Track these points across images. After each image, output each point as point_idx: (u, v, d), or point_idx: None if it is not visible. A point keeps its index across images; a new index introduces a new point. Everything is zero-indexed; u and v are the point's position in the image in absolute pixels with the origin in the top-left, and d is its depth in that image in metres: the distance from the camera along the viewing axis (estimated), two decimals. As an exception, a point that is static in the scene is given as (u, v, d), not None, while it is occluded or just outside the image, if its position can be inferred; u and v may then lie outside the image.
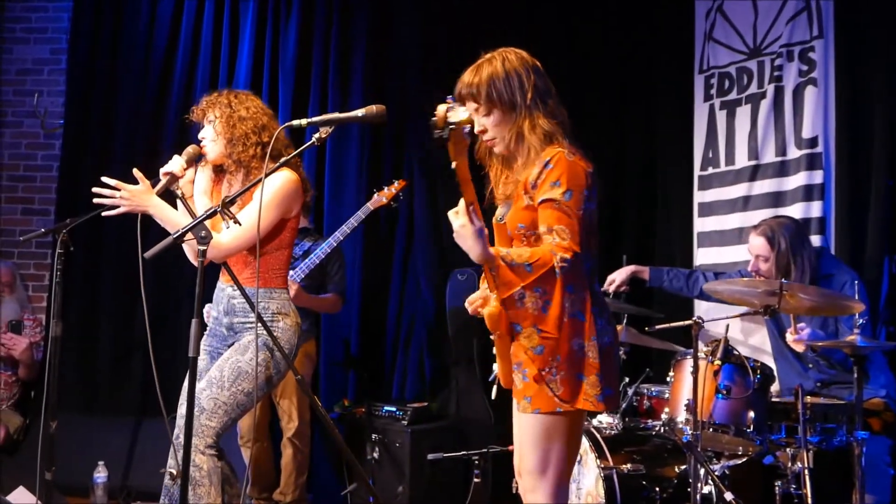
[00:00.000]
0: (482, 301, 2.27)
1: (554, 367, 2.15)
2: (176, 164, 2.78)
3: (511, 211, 2.25)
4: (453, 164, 2.04)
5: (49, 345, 3.20)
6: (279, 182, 2.74)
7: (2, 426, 4.53)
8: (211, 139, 2.84)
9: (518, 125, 2.24)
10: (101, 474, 4.05)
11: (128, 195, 2.68)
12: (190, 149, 2.83)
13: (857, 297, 3.02)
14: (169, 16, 5.18)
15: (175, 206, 2.83)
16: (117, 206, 2.69)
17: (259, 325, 2.69)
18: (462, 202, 2.09)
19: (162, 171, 2.78)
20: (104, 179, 2.70)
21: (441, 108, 2.01)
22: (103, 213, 2.74)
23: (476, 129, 2.26)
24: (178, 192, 2.79)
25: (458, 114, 2.00)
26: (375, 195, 4.20)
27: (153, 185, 2.74)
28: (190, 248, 2.85)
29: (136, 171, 2.76)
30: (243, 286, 2.74)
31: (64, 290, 3.19)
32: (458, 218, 2.10)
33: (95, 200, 2.70)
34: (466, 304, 2.33)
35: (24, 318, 4.82)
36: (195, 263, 2.88)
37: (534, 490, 2.23)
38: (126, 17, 5.23)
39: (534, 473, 2.21)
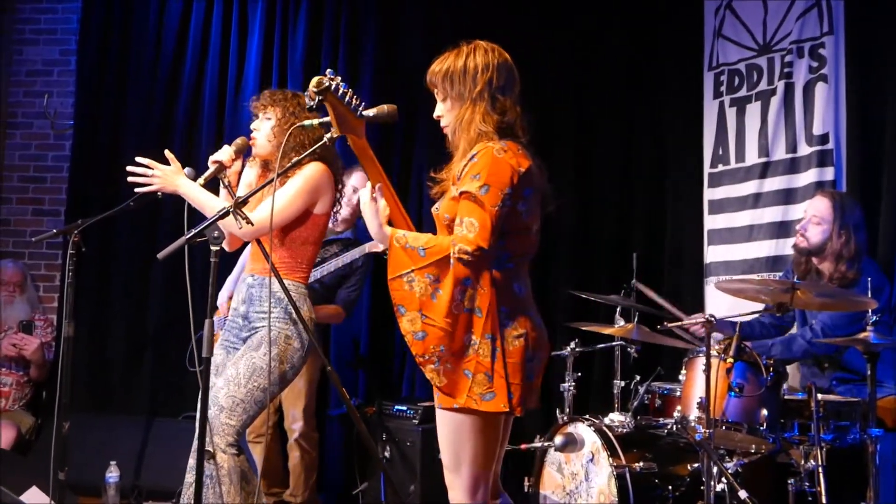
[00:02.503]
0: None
1: (436, 356, 2.13)
2: (225, 153, 2.84)
3: (442, 201, 2.28)
4: (333, 135, 2.18)
5: (61, 345, 3.21)
6: (308, 172, 2.80)
7: (14, 427, 4.55)
8: (264, 135, 2.88)
9: (459, 116, 2.27)
10: (112, 474, 4.05)
11: (160, 174, 2.80)
12: (239, 140, 2.89)
13: (869, 294, 3.01)
14: (178, 16, 5.19)
15: (218, 195, 2.90)
16: (150, 185, 2.80)
17: (272, 314, 2.74)
18: (369, 184, 2.21)
19: (211, 159, 2.84)
20: (138, 159, 2.82)
21: (314, 80, 2.12)
22: (136, 191, 2.82)
23: (435, 114, 2.36)
24: (225, 181, 2.85)
25: (331, 86, 2.10)
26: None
27: (201, 174, 2.83)
28: (226, 231, 2.86)
29: (167, 153, 2.86)
30: (267, 277, 2.76)
31: (75, 291, 3.20)
32: (362, 195, 2.21)
33: (130, 179, 2.81)
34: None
35: (35, 319, 4.84)
36: (228, 248, 2.95)
37: (451, 487, 2.24)
38: (135, 18, 5.24)
39: (448, 470, 2.24)
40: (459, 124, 2.26)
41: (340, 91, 2.20)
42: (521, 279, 2.25)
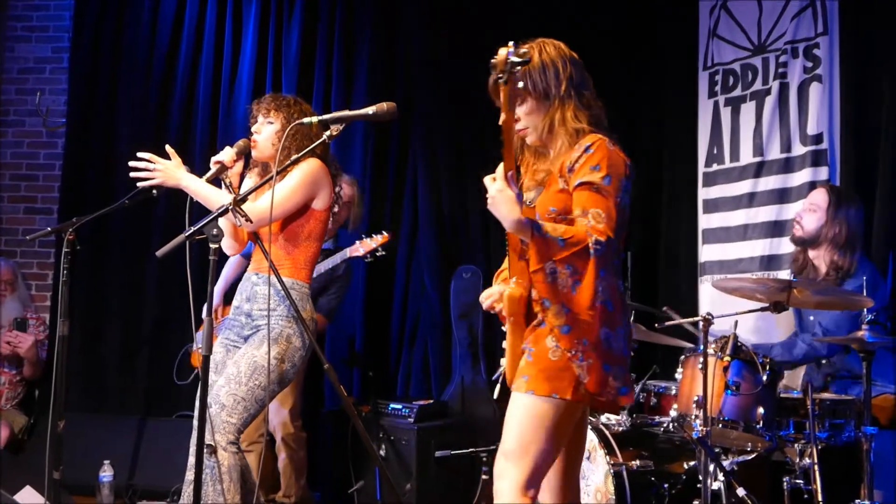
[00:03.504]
0: (499, 295, 2.23)
1: (580, 351, 2.08)
2: (226, 154, 2.84)
3: (543, 195, 2.21)
4: (502, 118, 2.00)
5: (56, 344, 3.20)
6: (306, 166, 2.80)
7: (6, 426, 4.52)
8: (266, 139, 2.88)
9: (550, 116, 2.21)
10: (107, 473, 4.04)
11: (161, 167, 2.80)
12: (241, 142, 2.89)
13: (864, 293, 3.03)
14: (171, 13, 5.17)
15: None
16: (152, 179, 2.80)
17: (275, 313, 2.74)
18: (501, 167, 2.03)
19: (213, 160, 2.83)
20: (139, 154, 2.82)
21: (502, 51, 1.93)
22: (139, 185, 2.82)
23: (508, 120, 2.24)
24: (226, 182, 2.85)
25: (520, 56, 1.93)
26: (357, 242, 4.04)
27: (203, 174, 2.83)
28: (227, 230, 2.90)
29: (168, 148, 2.86)
30: (269, 275, 2.77)
31: (69, 289, 3.18)
32: (496, 183, 2.03)
33: (132, 174, 2.80)
34: (482, 299, 2.30)
35: (27, 317, 4.81)
36: (229, 253, 2.96)
37: (503, 475, 2.10)
38: (128, 15, 5.22)
39: (509, 456, 2.10)
40: (550, 124, 2.20)
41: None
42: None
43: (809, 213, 3.50)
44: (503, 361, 2.29)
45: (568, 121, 2.19)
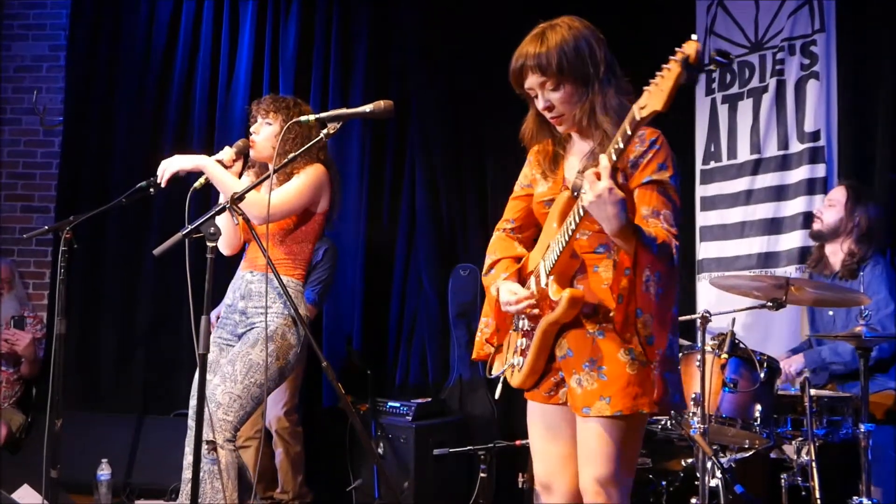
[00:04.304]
0: (531, 296, 2.04)
1: (658, 361, 1.94)
2: (225, 154, 2.86)
3: None
4: (542, 104, 1.93)
5: (54, 342, 3.19)
6: (312, 171, 2.83)
7: (4, 424, 4.52)
8: (265, 139, 2.90)
9: (591, 101, 2.01)
10: (104, 472, 4.04)
11: (169, 160, 2.82)
12: (240, 142, 2.91)
13: (861, 290, 3.04)
14: (168, 11, 5.16)
15: (218, 196, 2.93)
16: (169, 169, 2.82)
17: (267, 312, 2.74)
18: (604, 162, 1.83)
19: (212, 159, 2.84)
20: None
21: (694, 45, 1.69)
22: (163, 178, 2.82)
23: (541, 106, 2.05)
24: None
25: (723, 56, 1.77)
26: None
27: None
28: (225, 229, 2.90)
29: None
30: (267, 272, 2.77)
31: (67, 288, 3.18)
32: (602, 181, 1.81)
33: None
34: (510, 299, 2.06)
35: (25, 315, 4.80)
36: (226, 252, 2.95)
37: (610, 499, 1.96)
38: (125, 13, 5.21)
39: (607, 482, 1.95)
40: (591, 111, 2.00)
41: None
42: None
43: (829, 208, 3.58)
44: (513, 360, 2.14)
45: (611, 106, 1.99)
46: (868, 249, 3.48)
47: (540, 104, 2.06)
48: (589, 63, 2.00)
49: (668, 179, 1.97)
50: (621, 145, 1.81)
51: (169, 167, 2.81)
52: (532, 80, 2.03)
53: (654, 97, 1.74)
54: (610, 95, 2.00)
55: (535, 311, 2.05)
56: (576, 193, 1.97)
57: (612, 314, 1.98)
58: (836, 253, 3.57)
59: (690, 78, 1.70)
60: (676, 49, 1.72)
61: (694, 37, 1.72)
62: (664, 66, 1.74)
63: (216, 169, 2.80)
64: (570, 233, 1.94)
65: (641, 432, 2.05)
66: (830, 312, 3.54)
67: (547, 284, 2.03)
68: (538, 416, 2.15)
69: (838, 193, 3.61)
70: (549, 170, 2.13)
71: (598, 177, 1.82)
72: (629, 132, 1.79)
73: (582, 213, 1.89)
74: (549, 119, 2.07)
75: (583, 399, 1.98)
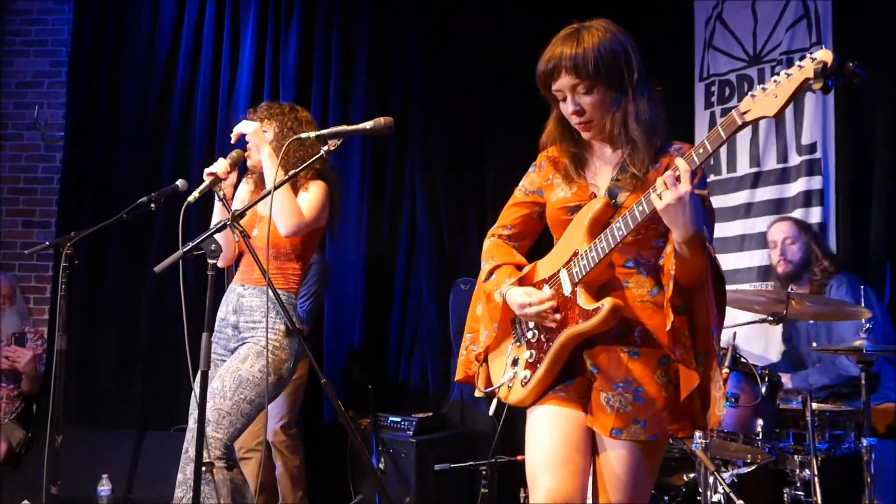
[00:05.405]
0: (554, 300, 1.93)
1: (714, 379, 1.87)
2: (220, 165, 2.81)
3: (637, 196, 1.89)
4: (570, 109, 1.88)
5: (55, 358, 3.19)
6: (319, 189, 2.86)
7: (4, 440, 4.51)
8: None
9: (624, 109, 1.91)
10: (104, 487, 4.03)
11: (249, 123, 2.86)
12: (234, 153, 2.87)
13: (862, 304, 3.03)
14: (169, 27, 5.18)
15: (213, 208, 2.92)
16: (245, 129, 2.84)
17: (263, 325, 2.73)
18: (683, 166, 1.74)
19: (206, 171, 2.81)
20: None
21: (829, 54, 1.63)
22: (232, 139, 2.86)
23: (570, 110, 1.95)
24: (220, 194, 2.83)
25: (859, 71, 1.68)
26: None
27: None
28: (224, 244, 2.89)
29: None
30: (263, 287, 2.77)
31: (67, 304, 3.18)
32: (682, 185, 1.73)
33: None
34: (526, 302, 1.94)
35: (25, 331, 4.80)
36: (220, 264, 2.95)
37: None
38: (126, 29, 5.23)
39: None
40: (623, 119, 1.91)
41: None
42: None
43: (789, 245, 3.61)
44: (521, 374, 2.00)
45: (644, 114, 1.90)
46: (833, 263, 3.56)
47: (569, 108, 1.95)
48: (624, 68, 1.91)
49: (706, 195, 1.91)
50: (710, 149, 1.73)
51: (243, 128, 2.84)
52: (564, 82, 1.93)
53: (762, 104, 1.69)
54: (643, 105, 1.92)
55: (558, 315, 1.93)
56: (613, 201, 1.91)
57: (648, 331, 1.88)
58: (804, 279, 3.63)
59: (824, 88, 1.64)
60: (807, 55, 1.67)
61: (824, 48, 1.67)
62: (784, 71, 1.68)
63: (269, 163, 2.80)
64: (617, 239, 1.84)
65: (661, 455, 1.97)
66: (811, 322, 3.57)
67: (573, 293, 1.92)
68: (551, 420, 1.96)
69: (787, 227, 3.65)
70: (575, 174, 2.02)
71: (678, 180, 1.74)
72: (723, 136, 1.73)
73: (639, 219, 1.81)
74: (576, 124, 1.98)
75: (613, 421, 1.88)
